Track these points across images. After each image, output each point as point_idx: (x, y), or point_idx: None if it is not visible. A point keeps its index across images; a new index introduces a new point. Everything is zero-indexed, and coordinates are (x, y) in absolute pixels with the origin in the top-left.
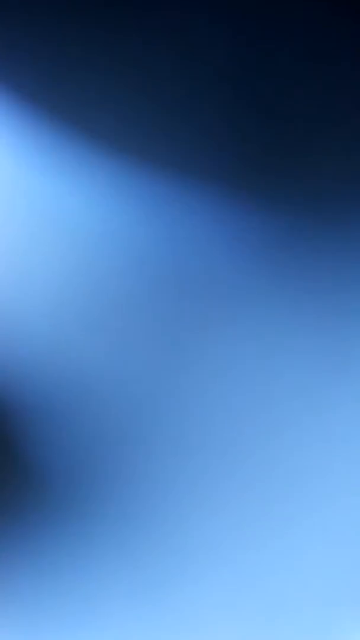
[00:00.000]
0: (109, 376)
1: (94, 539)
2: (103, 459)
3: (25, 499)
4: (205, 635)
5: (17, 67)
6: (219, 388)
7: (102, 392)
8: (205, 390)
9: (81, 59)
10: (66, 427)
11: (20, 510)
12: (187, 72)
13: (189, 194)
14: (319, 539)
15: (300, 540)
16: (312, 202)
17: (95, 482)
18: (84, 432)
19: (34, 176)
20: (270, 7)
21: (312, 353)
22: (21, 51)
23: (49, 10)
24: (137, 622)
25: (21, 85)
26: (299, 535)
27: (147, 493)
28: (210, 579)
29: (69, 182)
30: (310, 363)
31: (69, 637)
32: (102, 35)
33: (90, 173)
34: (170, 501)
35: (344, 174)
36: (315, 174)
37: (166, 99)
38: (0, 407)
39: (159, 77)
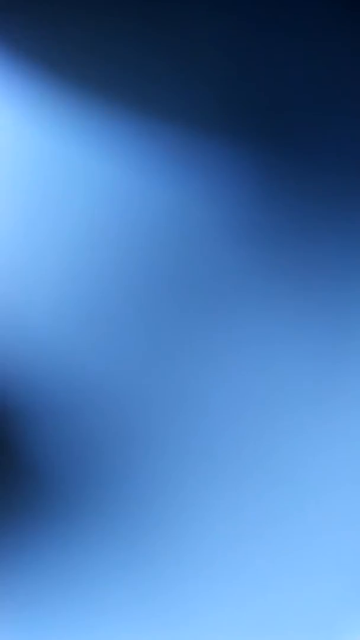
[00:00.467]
0: (109, 375)
1: (93, 539)
2: (103, 458)
3: (24, 499)
4: (206, 634)
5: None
6: (220, 388)
7: (102, 391)
8: (206, 391)
9: (80, 63)
10: (66, 425)
11: (19, 511)
12: (185, 74)
13: (190, 191)
14: (319, 539)
15: (300, 540)
16: (316, 196)
17: (95, 482)
18: (84, 431)
19: (33, 169)
20: (269, 10)
21: (312, 353)
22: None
23: (49, 10)
24: (137, 622)
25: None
26: (299, 535)
27: (147, 493)
28: (210, 578)
29: (68, 185)
30: (311, 362)
31: (69, 637)
32: (101, 39)
33: (90, 167)
34: (170, 501)
35: (345, 168)
36: (317, 169)
37: (164, 102)
38: (0, 406)
39: (157, 81)
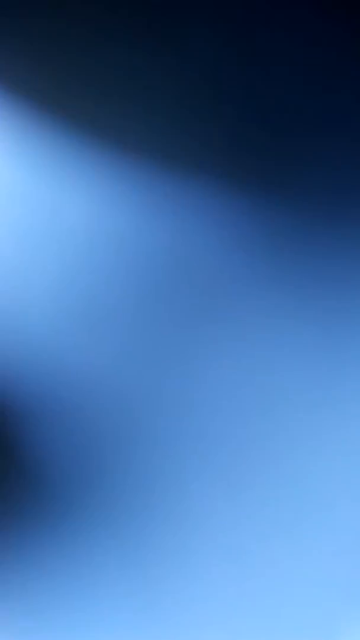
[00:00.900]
0: (108, 377)
1: (93, 539)
2: (103, 458)
3: (24, 500)
4: (206, 634)
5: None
6: (220, 389)
7: (102, 391)
8: (206, 391)
9: (81, 66)
10: (65, 428)
11: (19, 511)
12: (184, 79)
13: (189, 195)
14: (319, 540)
15: (300, 540)
16: (312, 200)
17: (95, 482)
18: (83, 433)
19: (31, 176)
20: (269, 14)
21: (313, 351)
22: (19, 55)
23: (47, 15)
24: (137, 622)
25: (18, 81)
26: (299, 535)
27: (147, 493)
28: (210, 578)
29: (67, 187)
30: (312, 361)
31: (69, 637)
32: (100, 43)
33: (90, 174)
34: (171, 501)
35: (343, 173)
36: (315, 172)
37: (164, 106)
38: (0, 406)
39: (156, 87)
